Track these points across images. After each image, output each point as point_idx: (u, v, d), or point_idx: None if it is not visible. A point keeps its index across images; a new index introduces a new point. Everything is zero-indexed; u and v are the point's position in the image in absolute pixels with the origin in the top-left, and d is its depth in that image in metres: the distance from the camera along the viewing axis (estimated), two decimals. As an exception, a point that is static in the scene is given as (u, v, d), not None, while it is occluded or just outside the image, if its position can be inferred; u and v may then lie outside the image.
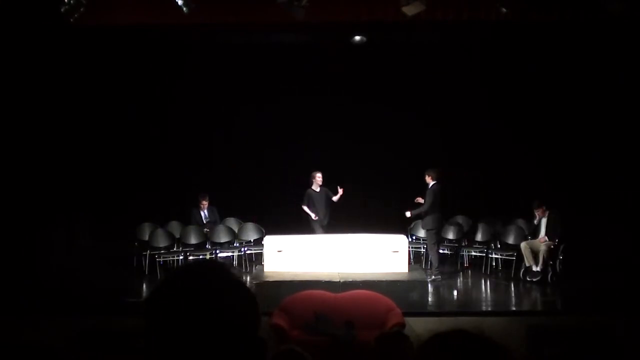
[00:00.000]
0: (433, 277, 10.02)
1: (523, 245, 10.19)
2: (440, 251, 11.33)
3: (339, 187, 10.60)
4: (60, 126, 10.77)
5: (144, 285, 10.34)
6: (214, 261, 2.04)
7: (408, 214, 10.34)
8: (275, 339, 6.77)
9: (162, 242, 11.00)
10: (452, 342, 1.34)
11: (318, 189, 10.66)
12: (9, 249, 9.71)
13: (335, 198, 10.67)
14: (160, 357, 1.22)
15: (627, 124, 10.56)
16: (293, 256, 9.40)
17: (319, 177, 10.62)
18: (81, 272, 9.98)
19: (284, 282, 8.61)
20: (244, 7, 9.20)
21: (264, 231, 11.20)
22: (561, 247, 10.11)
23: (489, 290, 10.18)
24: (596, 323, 7.23)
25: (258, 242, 11.03)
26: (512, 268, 10.39)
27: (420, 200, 10.38)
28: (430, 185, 10.27)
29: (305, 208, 10.64)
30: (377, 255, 9.31)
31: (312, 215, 10.56)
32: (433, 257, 10.30)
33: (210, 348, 1.21)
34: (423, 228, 10.60)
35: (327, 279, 8.62)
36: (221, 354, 1.22)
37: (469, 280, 10.68)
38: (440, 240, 10.75)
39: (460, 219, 11.60)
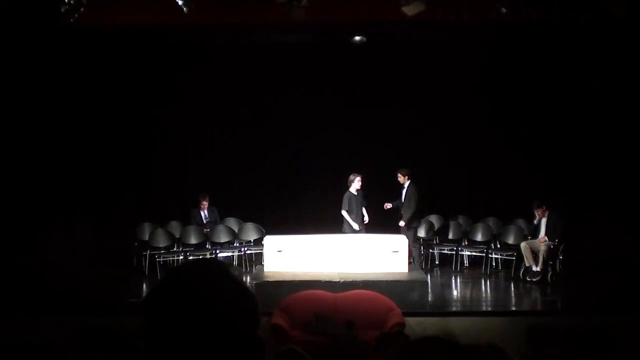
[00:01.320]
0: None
1: (523, 245, 10.18)
2: (440, 251, 11.38)
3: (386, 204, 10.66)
4: (60, 126, 10.77)
5: (144, 285, 10.34)
6: (213, 260, 2.01)
7: (402, 223, 10.48)
8: (275, 339, 6.77)
9: (162, 242, 10.99)
10: (420, 350, 1.33)
11: (357, 193, 10.46)
12: (9, 249, 9.70)
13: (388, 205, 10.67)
14: (159, 357, 1.22)
15: (627, 124, 10.56)
16: (293, 256, 9.39)
17: (358, 180, 10.41)
18: (81, 272, 9.97)
19: (284, 282, 8.60)
20: (244, 7, 9.20)
21: (264, 231, 11.19)
22: (561, 247, 10.11)
23: (489, 290, 10.19)
24: (596, 323, 7.23)
25: (258, 242, 11.02)
26: (512, 268, 10.38)
27: (389, 205, 10.62)
28: (407, 184, 10.54)
29: (345, 214, 10.33)
30: (377, 255, 9.30)
31: (355, 226, 10.29)
32: (416, 254, 10.48)
33: (209, 348, 1.21)
34: (404, 226, 10.58)
35: (327, 279, 8.61)
36: (220, 354, 1.22)
37: (469, 280, 10.69)
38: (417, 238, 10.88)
39: (460, 219, 11.59)
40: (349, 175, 10.44)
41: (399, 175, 10.64)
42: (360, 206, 10.51)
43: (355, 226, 10.33)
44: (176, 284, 1.27)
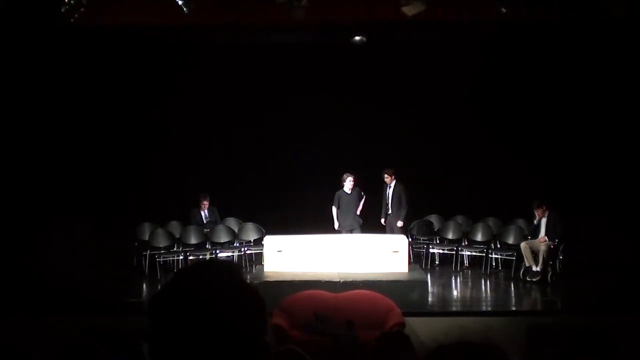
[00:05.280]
0: None
1: (523, 245, 10.19)
2: (440, 251, 11.38)
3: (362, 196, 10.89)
4: (60, 126, 10.77)
5: (144, 285, 10.34)
6: (221, 262, 2.00)
7: (400, 223, 10.74)
8: (275, 339, 6.78)
9: (162, 242, 11.00)
10: (455, 356, 1.32)
11: (349, 191, 10.74)
12: (9, 249, 9.70)
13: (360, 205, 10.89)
14: (164, 358, 1.22)
15: (627, 124, 10.57)
16: (293, 256, 9.39)
17: (349, 180, 10.70)
18: (81, 272, 9.97)
19: (284, 282, 8.60)
20: (244, 7, 9.20)
21: (264, 231, 11.19)
22: (561, 247, 10.11)
23: (489, 290, 10.19)
24: (596, 323, 7.24)
25: (258, 242, 11.02)
26: (512, 268, 10.38)
27: (384, 220, 10.89)
28: (394, 184, 10.81)
29: (334, 211, 10.76)
30: (377, 255, 9.29)
31: (335, 225, 10.68)
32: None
33: (214, 350, 1.21)
34: (395, 225, 10.75)
35: (327, 279, 8.61)
36: (223, 356, 1.22)
37: (469, 280, 10.69)
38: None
39: (460, 219, 11.60)
40: (351, 173, 10.74)
41: (386, 175, 10.87)
42: (353, 207, 10.63)
43: (336, 224, 10.63)
44: (181, 286, 1.27)
